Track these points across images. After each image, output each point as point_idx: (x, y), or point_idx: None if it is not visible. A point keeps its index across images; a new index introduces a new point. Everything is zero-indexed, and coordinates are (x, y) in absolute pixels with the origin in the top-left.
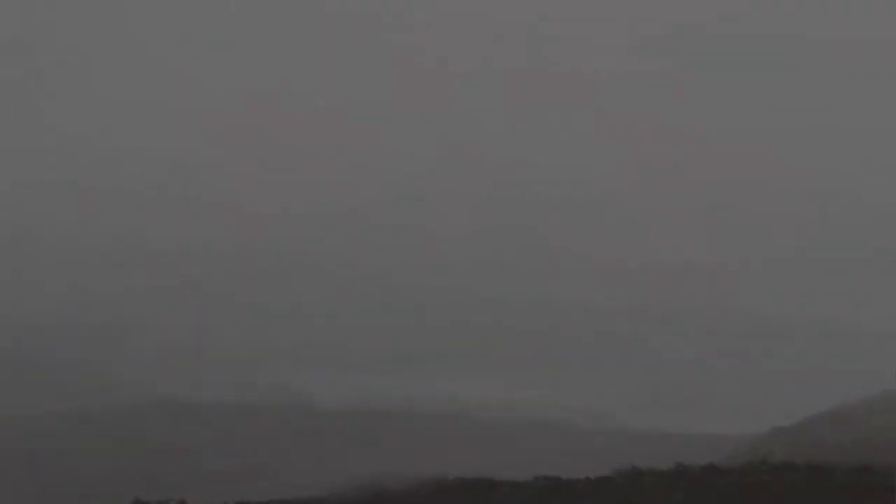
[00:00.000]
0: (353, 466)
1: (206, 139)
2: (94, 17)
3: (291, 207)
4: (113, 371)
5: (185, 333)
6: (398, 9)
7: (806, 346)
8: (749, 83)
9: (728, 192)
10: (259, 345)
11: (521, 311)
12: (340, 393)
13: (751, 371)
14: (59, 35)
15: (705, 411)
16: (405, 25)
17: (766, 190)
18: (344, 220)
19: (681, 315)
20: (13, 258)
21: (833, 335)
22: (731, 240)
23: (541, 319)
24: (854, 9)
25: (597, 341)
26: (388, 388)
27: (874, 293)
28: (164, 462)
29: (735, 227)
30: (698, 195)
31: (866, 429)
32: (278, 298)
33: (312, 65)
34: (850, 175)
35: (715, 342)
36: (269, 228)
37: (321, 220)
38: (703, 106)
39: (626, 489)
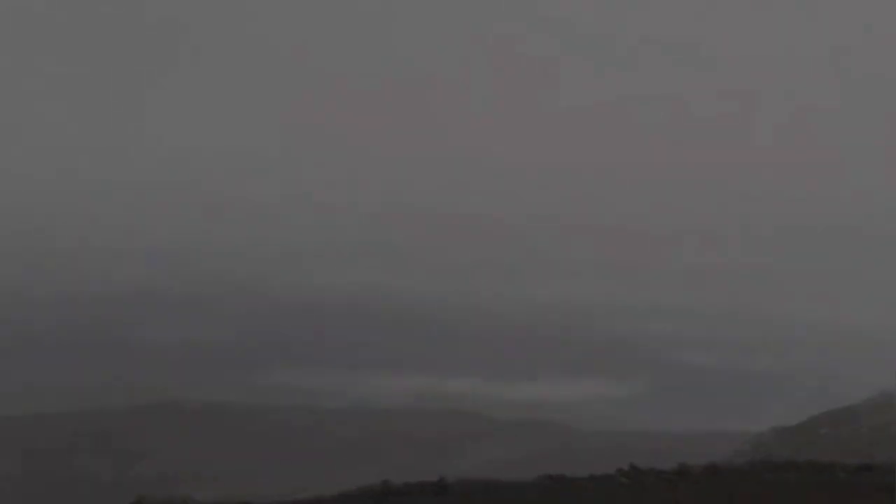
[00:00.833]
0: (354, 466)
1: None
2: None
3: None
4: (113, 371)
5: (186, 330)
6: None
7: (806, 346)
8: None
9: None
10: (259, 345)
11: (522, 310)
12: (342, 393)
13: (751, 371)
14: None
15: (706, 411)
16: None
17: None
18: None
19: (681, 315)
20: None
21: (833, 335)
22: (734, 242)
23: (541, 319)
24: None
25: (597, 341)
26: (388, 388)
27: (874, 293)
28: (165, 462)
29: (740, 232)
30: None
31: (866, 428)
32: (278, 298)
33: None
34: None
35: (715, 342)
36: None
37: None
38: None
39: (627, 489)
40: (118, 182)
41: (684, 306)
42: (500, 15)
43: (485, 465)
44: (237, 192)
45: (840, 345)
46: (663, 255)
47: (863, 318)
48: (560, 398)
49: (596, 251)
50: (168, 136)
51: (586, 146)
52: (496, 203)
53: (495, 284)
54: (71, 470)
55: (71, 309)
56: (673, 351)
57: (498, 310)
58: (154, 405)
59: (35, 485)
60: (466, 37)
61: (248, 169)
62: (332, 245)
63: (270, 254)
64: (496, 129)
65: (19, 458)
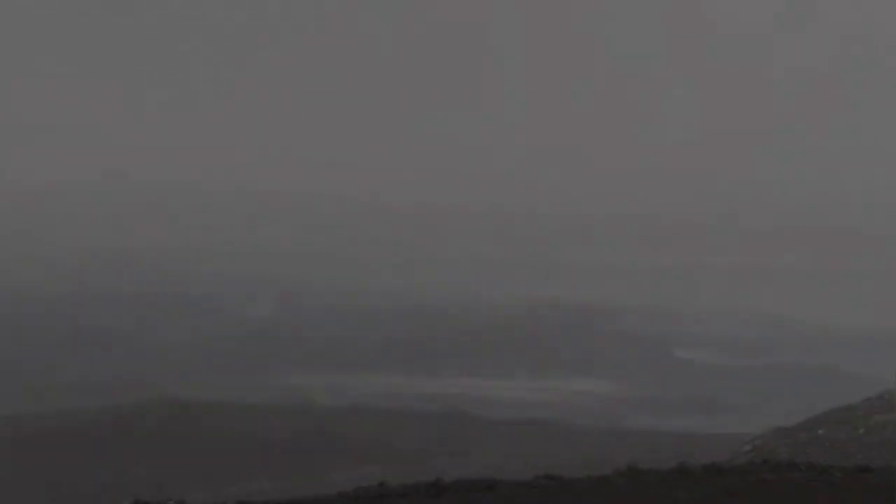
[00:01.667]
0: (352, 467)
1: None
2: None
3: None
4: (113, 371)
5: (186, 330)
6: None
7: (806, 346)
8: None
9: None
10: (259, 344)
11: (521, 309)
12: (340, 393)
13: (751, 371)
14: None
15: (706, 410)
16: None
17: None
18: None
19: (681, 315)
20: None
21: (833, 335)
22: (734, 242)
23: (540, 318)
24: None
25: (596, 341)
26: (387, 388)
27: (874, 293)
28: (164, 462)
29: (739, 232)
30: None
31: (867, 429)
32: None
33: None
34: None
35: (715, 342)
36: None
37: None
38: None
39: (627, 489)
40: (119, 182)
41: (684, 306)
42: None
43: (482, 465)
44: (237, 191)
45: (840, 345)
46: (663, 255)
47: (863, 318)
48: (558, 398)
49: (596, 251)
50: (167, 136)
51: (591, 140)
52: (496, 201)
53: (495, 283)
54: (71, 470)
55: (71, 308)
56: (673, 351)
57: (496, 308)
58: (154, 405)
59: (34, 485)
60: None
61: (248, 168)
62: (331, 244)
63: (270, 254)
64: (496, 125)
65: (19, 458)
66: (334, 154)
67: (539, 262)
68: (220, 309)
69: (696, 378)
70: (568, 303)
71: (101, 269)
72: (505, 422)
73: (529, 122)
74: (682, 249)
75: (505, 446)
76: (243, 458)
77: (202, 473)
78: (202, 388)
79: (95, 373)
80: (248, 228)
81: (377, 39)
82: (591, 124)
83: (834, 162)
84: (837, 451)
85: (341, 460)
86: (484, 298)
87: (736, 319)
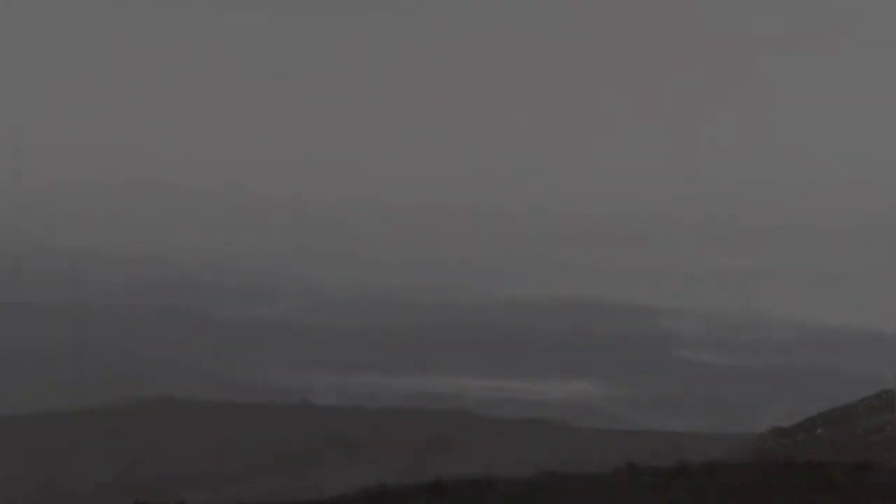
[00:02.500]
0: (351, 467)
1: None
2: None
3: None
4: (113, 371)
5: (186, 329)
6: None
7: (806, 346)
8: None
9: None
10: (258, 344)
11: (521, 309)
12: (340, 393)
13: (751, 371)
14: None
15: (705, 410)
16: None
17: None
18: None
19: (681, 315)
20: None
21: (833, 335)
22: (734, 242)
23: (540, 318)
24: None
25: (596, 340)
26: (386, 388)
27: (874, 293)
28: (164, 462)
29: (739, 232)
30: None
31: (866, 428)
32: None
33: None
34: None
35: (715, 342)
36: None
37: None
38: None
39: (626, 488)
40: (120, 181)
41: (685, 306)
42: None
43: (482, 465)
44: (238, 192)
45: (839, 345)
46: (663, 255)
47: (862, 318)
48: (558, 397)
49: (596, 251)
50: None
51: (592, 140)
52: (496, 200)
53: (495, 283)
54: (70, 470)
55: (71, 308)
56: (672, 350)
57: (496, 308)
58: (154, 405)
59: (34, 484)
60: None
61: (249, 168)
62: (329, 244)
63: (270, 253)
64: (497, 125)
65: (18, 458)
66: (334, 154)
67: (539, 262)
68: (220, 309)
69: (696, 378)
70: (568, 303)
71: (101, 270)
72: (505, 421)
73: (529, 122)
74: (681, 249)
75: (505, 446)
76: (243, 458)
77: (202, 473)
78: (202, 388)
79: (95, 373)
80: (248, 229)
81: (378, 40)
82: (591, 124)
83: (834, 163)
84: (836, 450)
85: (341, 460)
86: (484, 298)
87: (735, 320)
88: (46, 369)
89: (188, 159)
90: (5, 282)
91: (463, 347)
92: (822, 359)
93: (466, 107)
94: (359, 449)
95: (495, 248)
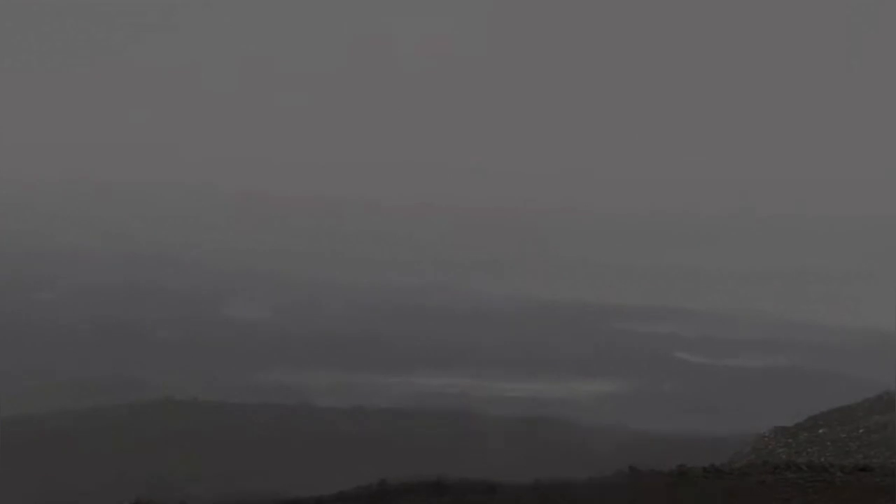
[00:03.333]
0: (352, 466)
1: None
2: None
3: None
4: (113, 371)
5: (186, 329)
6: None
7: (806, 346)
8: None
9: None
10: (259, 344)
11: (521, 309)
12: (340, 392)
13: (751, 371)
14: None
15: (706, 411)
16: None
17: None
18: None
19: (681, 315)
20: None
21: (833, 335)
22: (734, 242)
23: (540, 318)
24: None
25: (597, 341)
26: (386, 387)
27: (874, 293)
28: (164, 462)
29: (739, 232)
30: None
31: (866, 429)
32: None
33: None
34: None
35: (715, 342)
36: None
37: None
38: None
39: (626, 490)
40: (120, 182)
41: (684, 306)
42: None
43: (483, 464)
44: (238, 192)
45: (840, 345)
46: (663, 255)
47: (862, 319)
48: (559, 397)
49: (596, 251)
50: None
51: (592, 140)
52: (496, 201)
53: (494, 282)
54: (71, 470)
55: (70, 308)
56: (673, 351)
57: (496, 308)
58: (154, 405)
59: (34, 484)
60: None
61: (249, 170)
62: (328, 244)
63: (270, 253)
64: (496, 125)
65: (18, 458)
66: (335, 155)
67: (539, 262)
68: (220, 309)
69: (697, 378)
70: (568, 303)
71: (101, 270)
72: (505, 421)
73: (529, 123)
74: (682, 249)
75: (505, 446)
76: (243, 458)
77: (202, 473)
78: (202, 388)
79: (95, 373)
80: (248, 229)
81: (378, 40)
82: (591, 124)
83: (832, 163)
84: (838, 450)
85: (341, 460)
86: (484, 298)
87: (736, 320)
88: (47, 369)
89: (183, 158)
90: (5, 282)
91: (463, 348)
92: (823, 361)
93: None
94: (359, 449)
95: (495, 248)
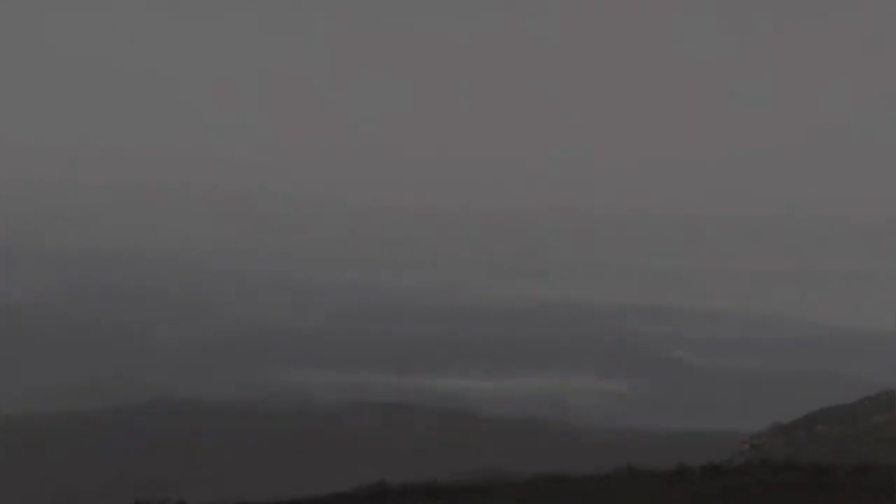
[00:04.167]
0: (350, 466)
1: None
2: None
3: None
4: (113, 371)
5: (186, 329)
6: None
7: (806, 346)
8: None
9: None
10: (258, 344)
11: (520, 308)
12: (339, 392)
13: (751, 371)
14: None
15: (705, 410)
16: None
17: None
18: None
19: (681, 315)
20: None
21: (832, 335)
22: (734, 243)
23: (540, 318)
24: None
25: (596, 341)
26: (386, 387)
27: (874, 293)
28: (164, 462)
29: (739, 233)
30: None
31: (866, 428)
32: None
33: None
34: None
35: (715, 342)
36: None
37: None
38: None
39: (626, 488)
40: (121, 181)
41: (684, 306)
42: None
43: (482, 463)
44: (238, 193)
45: (840, 345)
46: (663, 255)
47: (862, 319)
48: (559, 397)
49: (596, 251)
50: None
51: (592, 140)
52: (497, 202)
53: (494, 282)
54: (71, 470)
55: (71, 308)
56: (672, 351)
57: (496, 308)
58: (155, 405)
59: (34, 485)
60: None
61: (249, 170)
62: (328, 244)
63: (271, 254)
64: (493, 128)
65: (19, 457)
66: (335, 156)
67: (539, 262)
68: (220, 309)
69: (696, 378)
70: (568, 303)
71: (101, 270)
72: (505, 420)
73: (530, 123)
74: (682, 250)
75: (505, 445)
76: (243, 458)
77: (202, 473)
78: (202, 388)
79: (95, 373)
80: (250, 230)
81: (380, 40)
82: (591, 124)
83: (832, 164)
84: (837, 448)
85: (341, 460)
86: (485, 299)
87: (736, 320)
88: (47, 370)
89: (179, 159)
90: (4, 281)
91: (463, 348)
92: (822, 360)
93: None
94: (359, 449)
95: (496, 249)
